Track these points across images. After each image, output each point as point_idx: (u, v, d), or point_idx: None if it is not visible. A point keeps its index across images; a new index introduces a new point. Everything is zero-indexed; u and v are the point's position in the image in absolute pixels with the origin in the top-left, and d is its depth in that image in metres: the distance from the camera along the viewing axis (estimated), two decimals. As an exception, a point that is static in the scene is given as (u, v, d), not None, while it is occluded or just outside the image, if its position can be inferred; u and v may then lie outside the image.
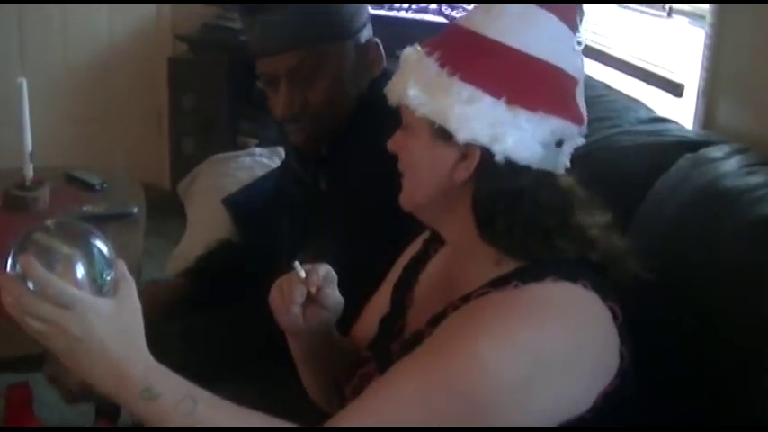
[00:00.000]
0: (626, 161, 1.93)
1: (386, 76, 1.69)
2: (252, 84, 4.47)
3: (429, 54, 1.28)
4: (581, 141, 1.31)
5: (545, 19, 1.25)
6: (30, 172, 2.96)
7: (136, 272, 2.06)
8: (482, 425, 1.15)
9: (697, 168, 1.70)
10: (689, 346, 1.44)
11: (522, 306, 1.19)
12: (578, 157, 1.41)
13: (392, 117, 1.34)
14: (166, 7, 4.82)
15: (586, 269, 1.23)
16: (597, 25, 3.06)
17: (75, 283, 1.12)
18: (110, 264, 1.16)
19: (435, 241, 1.48)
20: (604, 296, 1.22)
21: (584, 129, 1.31)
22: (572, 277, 1.21)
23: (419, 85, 1.26)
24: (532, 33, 1.25)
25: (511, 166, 1.23)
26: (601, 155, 1.95)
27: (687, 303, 1.47)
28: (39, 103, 3.04)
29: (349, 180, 1.80)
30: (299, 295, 1.35)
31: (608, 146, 2.01)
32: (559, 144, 1.26)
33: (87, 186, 3.14)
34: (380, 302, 1.54)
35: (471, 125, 1.22)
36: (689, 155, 1.78)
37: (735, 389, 1.35)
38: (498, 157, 1.22)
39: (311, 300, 1.37)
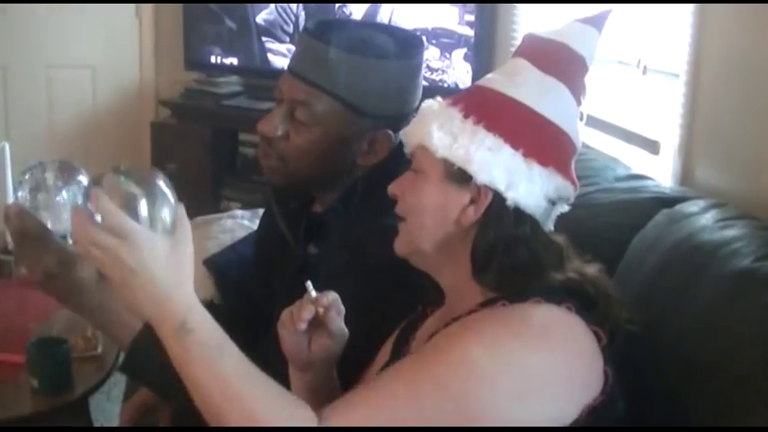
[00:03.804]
0: (604, 218, 1.95)
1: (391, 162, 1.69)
2: (235, 150, 4.49)
3: (452, 105, 1.37)
4: (567, 209, 1.39)
5: (560, 89, 1.37)
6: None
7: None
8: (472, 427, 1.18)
9: (674, 224, 1.72)
10: (672, 397, 1.45)
11: (508, 321, 1.25)
12: (558, 215, 1.43)
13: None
14: (150, 72, 4.86)
15: (573, 296, 1.29)
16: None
17: (138, 219, 1.20)
18: (171, 206, 1.24)
19: (432, 303, 1.50)
20: (588, 320, 1.27)
21: (574, 195, 1.39)
22: (556, 301, 1.27)
23: (443, 130, 1.34)
24: (550, 99, 1.35)
25: (517, 214, 1.32)
26: (579, 213, 1.93)
27: (669, 355, 1.48)
28: (22, 167, 3.04)
29: (351, 246, 1.71)
30: (308, 312, 1.37)
31: (586, 204, 2.01)
32: (555, 203, 1.36)
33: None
34: (380, 362, 1.55)
35: (491, 170, 1.31)
36: (666, 210, 1.80)
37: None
38: (509, 203, 1.31)
39: (317, 324, 1.40)
